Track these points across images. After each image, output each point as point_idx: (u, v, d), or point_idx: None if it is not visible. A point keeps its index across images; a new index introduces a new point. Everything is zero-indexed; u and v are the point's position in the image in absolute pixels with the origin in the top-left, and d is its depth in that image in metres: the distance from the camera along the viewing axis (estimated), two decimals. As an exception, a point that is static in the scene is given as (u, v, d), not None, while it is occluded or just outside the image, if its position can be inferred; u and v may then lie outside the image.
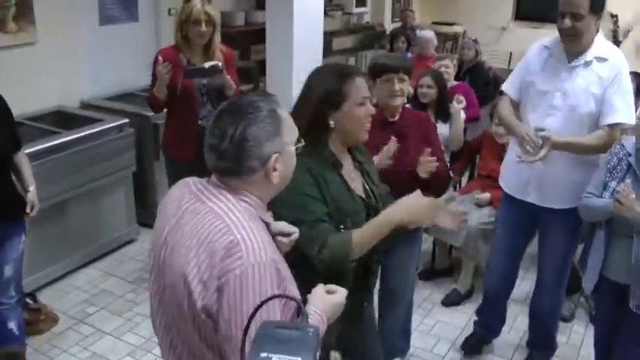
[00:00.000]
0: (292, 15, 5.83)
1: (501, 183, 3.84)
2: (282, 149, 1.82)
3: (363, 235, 2.36)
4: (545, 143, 3.24)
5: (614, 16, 10.02)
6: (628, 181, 3.09)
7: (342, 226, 2.41)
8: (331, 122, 2.44)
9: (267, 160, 1.79)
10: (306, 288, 1.92)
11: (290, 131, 1.86)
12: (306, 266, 2.27)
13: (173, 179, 4.33)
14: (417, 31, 8.24)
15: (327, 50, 8.06)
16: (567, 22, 3.28)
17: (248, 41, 7.89)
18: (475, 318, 4.30)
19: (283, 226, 2.16)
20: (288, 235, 2.15)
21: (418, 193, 2.41)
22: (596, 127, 3.39)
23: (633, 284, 3.12)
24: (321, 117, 2.44)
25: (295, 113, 2.22)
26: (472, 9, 10.94)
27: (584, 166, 3.47)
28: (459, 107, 4.90)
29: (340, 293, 1.93)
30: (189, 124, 4.32)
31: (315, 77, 2.53)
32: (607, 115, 3.35)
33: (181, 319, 1.77)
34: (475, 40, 7.40)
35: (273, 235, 1.97)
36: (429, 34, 7.52)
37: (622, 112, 3.34)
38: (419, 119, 3.58)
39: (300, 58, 5.94)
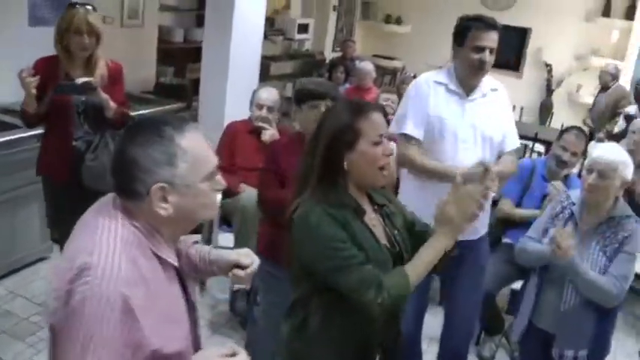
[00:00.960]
0: (230, 35, 5.72)
1: None
2: (173, 181, 1.66)
3: (416, 270, 2.18)
4: (487, 171, 3.17)
5: (548, 65, 10.24)
6: (569, 227, 3.12)
7: None
8: (345, 164, 2.20)
9: (150, 187, 1.66)
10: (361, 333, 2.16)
11: (194, 165, 1.70)
12: (361, 314, 2.16)
13: (48, 198, 4.09)
14: (357, 62, 8.21)
15: (265, 74, 7.98)
16: (488, 56, 3.35)
17: (185, 59, 7.78)
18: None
19: (240, 256, 2.09)
20: (245, 267, 2.06)
21: (442, 200, 2.25)
22: (497, 154, 3.50)
23: (559, 333, 3.13)
24: (335, 158, 2.20)
25: (307, 155, 2.26)
26: (414, 45, 11.03)
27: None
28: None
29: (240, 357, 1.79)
30: (63, 143, 3.88)
31: (327, 114, 2.34)
32: (509, 142, 3.54)
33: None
34: (414, 76, 7.38)
35: (230, 267, 2.05)
36: (368, 65, 7.50)
37: (516, 137, 3.61)
38: None
39: (235, 79, 5.82)
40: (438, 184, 3.35)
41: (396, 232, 2.35)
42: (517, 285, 4.31)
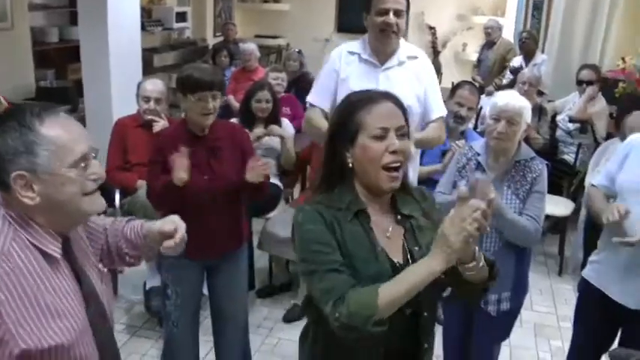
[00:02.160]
0: (106, 30, 5.58)
1: None
2: (35, 169, 1.63)
3: (394, 291, 1.79)
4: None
5: (432, 28, 10.46)
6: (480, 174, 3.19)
7: None
8: (349, 160, 1.99)
9: (10, 176, 1.62)
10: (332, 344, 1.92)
11: (56, 153, 1.65)
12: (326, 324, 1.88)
13: None
14: (240, 45, 8.17)
15: (149, 67, 7.84)
16: (392, 17, 3.34)
17: (64, 60, 7.54)
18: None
19: (164, 224, 2.03)
20: (170, 235, 2.01)
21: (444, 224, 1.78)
22: (419, 123, 3.51)
23: None
24: (337, 154, 2.01)
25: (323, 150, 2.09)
26: (295, 22, 11.05)
27: (412, 167, 3.59)
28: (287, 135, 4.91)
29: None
30: None
31: (337, 105, 2.16)
32: (434, 110, 3.53)
33: None
34: (299, 52, 7.43)
35: (160, 238, 2.01)
36: (251, 46, 7.48)
37: (442, 106, 3.60)
38: (232, 130, 3.45)
39: (118, 75, 5.69)
40: None
41: (416, 248, 1.99)
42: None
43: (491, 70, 8.25)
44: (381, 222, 2.02)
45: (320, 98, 3.54)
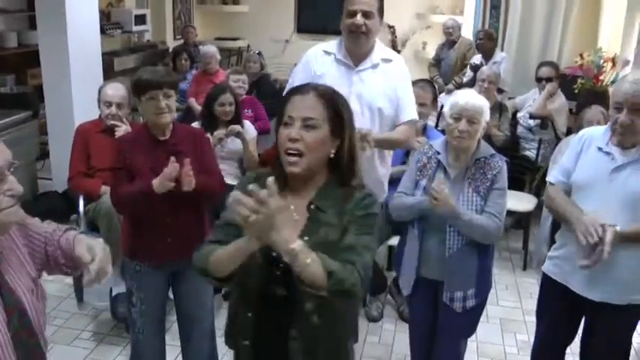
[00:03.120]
0: (66, 34, 5.55)
1: None
2: None
3: (220, 253, 2.02)
4: (366, 136, 3.24)
5: (391, 27, 10.51)
6: (440, 176, 3.22)
7: None
8: None
9: None
10: None
11: None
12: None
13: None
14: (200, 47, 8.13)
15: (109, 71, 7.75)
16: (360, 18, 3.37)
17: (23, 65, 7.41)
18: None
19: (82, 254, 1.96)
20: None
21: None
22: (392, 125, 3.53)
23: (447, 278, 3.23)
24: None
25: None
26: (255, 23, 11.01)
27: (383, 164, 3.68)
28: (248, 138, 4.92)
29: None
30: None
31: None
32: (403, 113, 3.54)
33: None
34: (259, 54, 7.43)
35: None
36: (211, 49, 7.45)
37: (414, 109, 3.60)
38: (192, 134, 3.44)
39: (78, 79, 5.65)
40: None
41: (306, 237, 2.03)
42: (394, 241, 4.42)
43: (453, 69, 8.31)
44: (294, 203, 2.09)
45: None
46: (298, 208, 2.11)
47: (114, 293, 4.37)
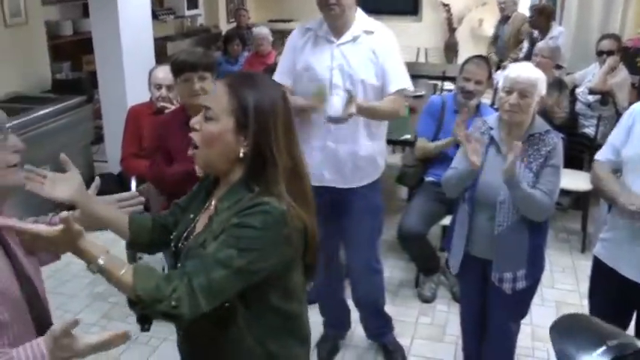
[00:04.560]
0: (118, 21, 5.62)
1: None
2: None
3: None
4: (351, 99, 3.16)
5: (446, 5, 10.36)
6: (493, 152, 3.14)
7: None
8: None
9: None
10: None
11: None
12: None
13: None
14: (253, 30, 8.14)
15: (162, 56, 7.80)
16: None
17: (78, 51, 7.58)
18: (322, 318, 4.13)
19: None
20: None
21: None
22: (380, 97, 3.44)
23: (495, 258, 3.15)
24: None
25: None
26: (307, 5, 10.82)
27: (374, 140, 3.54)
28: None
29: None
30: None
31: None
32: (392, 83, 3.42)
33: None
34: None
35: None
36: (263, 30, 7.46)
37: (403, 79, 3.45)
38: None
39: (131, 64, 5.71)
40: (317, 136, 3.44)
41: (201, 235, 1.93)
42: (446, 221, 4.35)
43: (508, 45, 8.14)
44: (216, 196, 2.00)
45: (282, 75, 3.53)
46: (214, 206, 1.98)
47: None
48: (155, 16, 7.17)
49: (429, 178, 4.64)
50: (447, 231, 3.93)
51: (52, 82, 6.85)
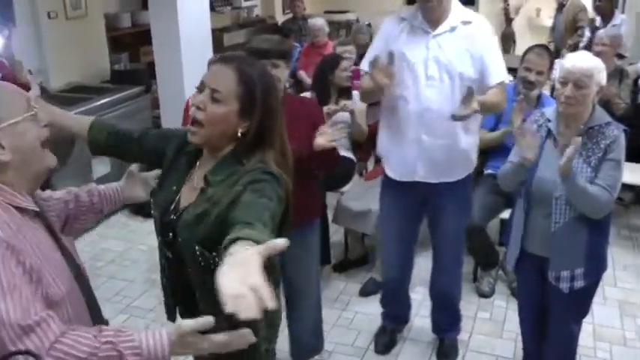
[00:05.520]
0: (176, 13, 5.64)
1: (386, 169, 3.65)
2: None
3: None
4: (471, 96, 3.07)
5: (503, -6, 10.22)
6: (550, 145, 3.05)
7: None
8: None
9: None
10: None
11: (8, 105, 1.73)
12: None
13: None
14: (309, 20, 8.13)
15: (219, 47, 7.88)
16: None
17: (136, 43, 7.70)
18: (381, 310, 4.14)
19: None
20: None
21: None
22: (477, 89, 3.29)
23: (552, 255, 3.06)
24: None
25: None
26: (363, -5, 10.92)
27: (469, 134, 3.45)
28: (358, 109, 4.85)
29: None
30: None
31: None
32: (492, 75, 3.32)
33: None
34: (369, 25, 7.35)
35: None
36: (319, 21, 7.44)
37: (503, 71, 3.37)
38: (303, 104, 3.44)
39: (189, 55, 5.75)
40: (412, 129, 3.36)
41: (190, 209, 2.06)
42: (506, 215, 4.30)
43: (563, 34, 7.97)
44: (201, 172, 2.10)
45: (369, 65, 3.38)
46: (201, 178, 2.09)
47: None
48: (212, 7, 7.20)
49: (488, 171, 4.59)
50: (505, 225, 3.88)
51: (111, 73, 6.98)
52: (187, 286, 2.17)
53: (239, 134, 2.05)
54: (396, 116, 3.44)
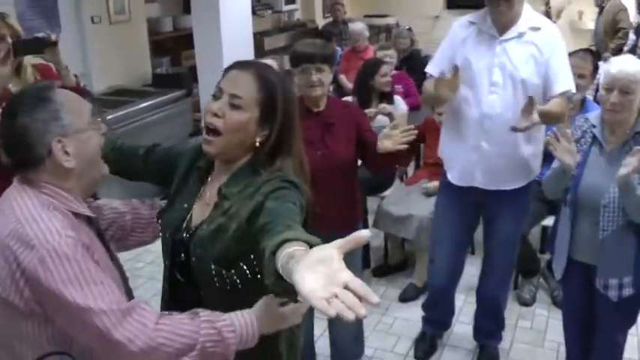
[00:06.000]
0: (219, 17, 5.69)
1: (448, 173, 3.60)
2: (66, 132, 1.75)
3: None
4: (532, 105, 3.01)
5: (545, -3, 10.09)
6: (596, 151, 3.00)
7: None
8: None
9: (50, 146, 1.73)
10: None
11: (75, 113, 1.79)
12: None
13: None
14: (349, 25, 8.13)
15: (259, 51, 7.92)
16: None
17: (178, 47, 7.76)
18: (422, 314, 4.11)
19: None
20: None
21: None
22: (540, 97, 3.25)
23: (600, 263, 3.00)
24: None
25: None
26: (403, 0, 10.88)
27: (531, 143, 3.38)
28: (399, 114, 4.85)
29: None
30: None
31: None
32: (556, 84, 3.24)
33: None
34: (409, 29, 7.34)
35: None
36: (359, 26, 7.43)
37: (569, 80, 3.27)
38: (346, 107, 3.42)
39: (230, 60, 5.65)
40: (472, 135, 3.34)
41: (204, 226, 1.93)
42: (548, 222, 4.25)
43: (602, 37, 7.83)
44: (214, 187, 1.98)
45: (435, 68, 3.41)
46: (213, 193, 1.97)
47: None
48: (253, 11, 7.24)
49: None
50: (547, 232, 3.82)
51: (153, 77, 7.06)
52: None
53: (257, 143, 1.94)
54: (458, 120, 3.42)
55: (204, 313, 1.71)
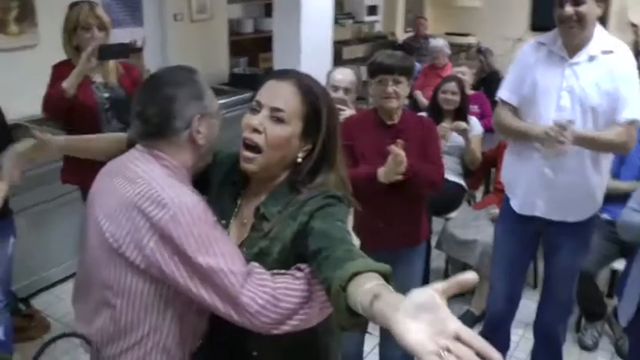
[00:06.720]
0: (300, 22, 5.68)
1: (510, 200, 3.48)
2: (205, 112, 1.86)
3: None
4: (569, 127, 2.92)
5: (634, 26, 9.76)
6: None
7: None
8: None
9: (191, 120, 1.82)
10: None
11: (212, 98, 1.91)
12: None
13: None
14: (430, 40, 8.05)
15: (337, 59, 7.89)
16: (569, 9, 3.01)
17: (257, 49, 7.83)
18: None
19: None
20: None
21: None
22: (609, 125, 3.11)
23: None
24: None
25: None
26: (487, 20, 10.73)
27: (597, 175, 3.24)
28: (473, 134, 4.74)
29: None
30: None
31: None
32: (623, 111, 3.07)
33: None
34: (483, 50, 7.29)
35: None
36: (440, 42, 7.39)
37: (636, 108, 3.07)
38: (421, 122, 3.35)
39: (308, 66, 5.74)
40: (537, 159, 3.21)
41: (243, 249, 1.80)
42: (618, 265, 4.09)
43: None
44: (250, 205, 1.89)
45: (508, 93, 3.32)
46: (250, 212, 1.87)
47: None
48: (335, 19, 7.24)
49: (603, 215, 4.20)
50: (616, 275, 3.66)
51: (230, 76, 7.15)
52: (238, 345, 1.88)
53: (299, 159, 1.83)
54: (521, 144, 3.31)
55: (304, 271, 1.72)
